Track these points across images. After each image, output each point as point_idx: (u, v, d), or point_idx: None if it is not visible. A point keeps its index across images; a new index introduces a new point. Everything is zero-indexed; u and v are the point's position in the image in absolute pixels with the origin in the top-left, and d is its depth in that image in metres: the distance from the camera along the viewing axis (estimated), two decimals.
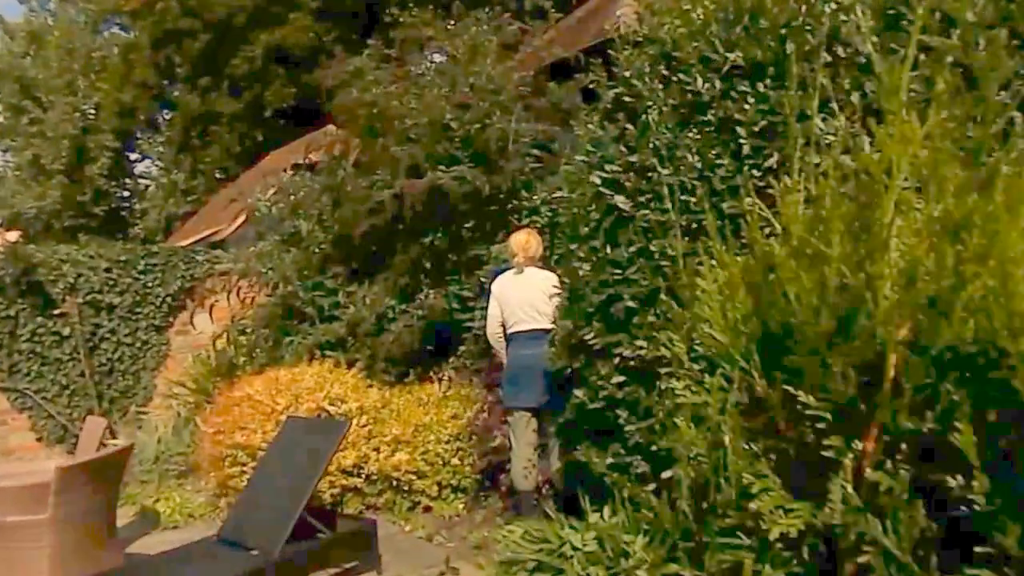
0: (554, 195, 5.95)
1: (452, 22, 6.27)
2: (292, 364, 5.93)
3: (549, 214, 5.92)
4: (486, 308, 5.04)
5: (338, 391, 5.39)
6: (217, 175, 19.92)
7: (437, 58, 6.35)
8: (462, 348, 5.72)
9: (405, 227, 5.90)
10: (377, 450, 5.21)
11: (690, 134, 3.53)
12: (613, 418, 3.90)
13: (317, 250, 6.70)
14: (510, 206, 5.91)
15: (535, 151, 5.96)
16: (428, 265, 5.82)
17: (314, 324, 6.23)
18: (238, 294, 6.87)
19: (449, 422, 5.30)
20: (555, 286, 4.74)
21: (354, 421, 5.25)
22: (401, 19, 6.38)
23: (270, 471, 4.23)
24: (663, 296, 3.60)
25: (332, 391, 5.38)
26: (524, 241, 4.92)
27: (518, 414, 4.75)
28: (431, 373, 5.84)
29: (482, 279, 5.59)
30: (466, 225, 5.85)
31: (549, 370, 4.60)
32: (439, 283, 5.76)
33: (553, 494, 4.82)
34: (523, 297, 4.77)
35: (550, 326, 4.71)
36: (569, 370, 4.22)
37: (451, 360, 5.79)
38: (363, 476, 5.19)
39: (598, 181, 3.86)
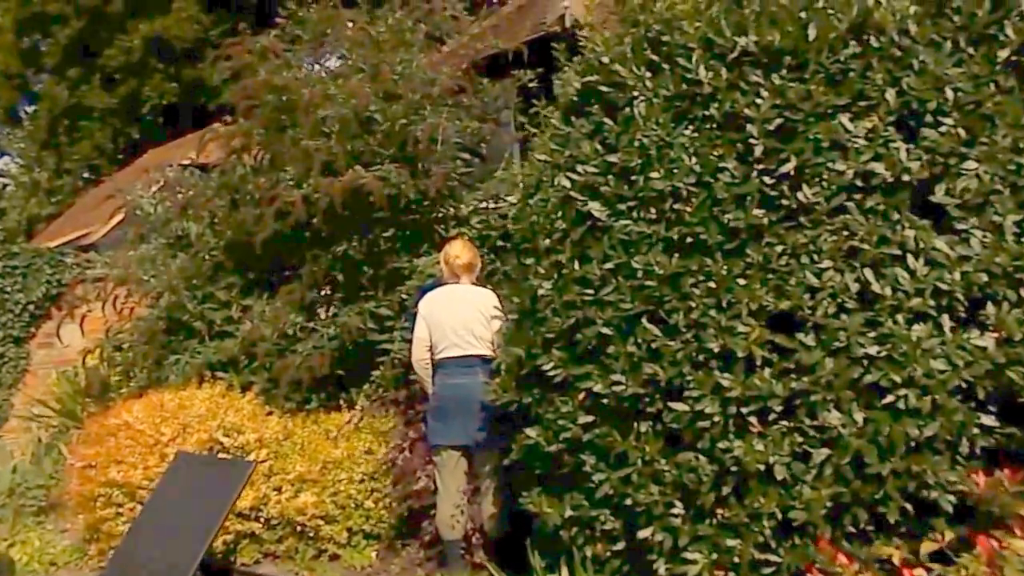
0: (485, 203, 5.32)
1: (365, 11, 5.52)
2: (178, 387, 4.98)
3: (479, 225, 5.27)
4: (410, 329, 4.32)
5: (233, 420, 4.52)
6: (85, 175, 18.08)
7: (347, 50, 5.57)
8: (375, 374, 4.94)
9: (314, 234, 5.09)
10: (279, 490, 4.37)
11: (686, 131, 2.97)
12: (575, 464, 3.27)
13: (208, 257, 5.76)
14: (435, 215, 5.21)
15: (465, 154, 5.30)
16: (340, 278, 5.03)
17: (203, 341, 5.30)
18: (114, 304, 5.83)
19: (363, 458, 4.52)
20: (496, 307, 4.09)
21: (252, 456, 4.39)
22: (300, 13, 5.55)
23: (157, 518, 3.38)
24: (646, 323, 3.03)
25: (226, 419, 4.50)
26: (459, 253, 4.24)
27: (446, 453, 4.06)
28: (340, 401, 5.04)
29: (403, 296, 4.85)
30: (384, 234, 5.10)
31: (486, 403, 3.94)
32: (353, 299, 4.98)
33: (483, 544, 4.13)
34: (457, 318, 4.08)
35: (487, 352, 4.05)
36: (515, 405, 3.57)
37: (364, 388, 5.00)
38: (262, 520, 4.34)
39: (567, 184, 3.23)
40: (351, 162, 4.83)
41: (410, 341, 4.31)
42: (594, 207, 3.12)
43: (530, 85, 5.44)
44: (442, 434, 4.04)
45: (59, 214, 16.22)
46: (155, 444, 4.42)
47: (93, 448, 4.56)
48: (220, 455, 4.28)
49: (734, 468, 2.86)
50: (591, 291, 3.11)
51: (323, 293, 4.96)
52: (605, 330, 3.04)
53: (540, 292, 3.30)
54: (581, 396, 3.21)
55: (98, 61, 16.32)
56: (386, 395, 4.78)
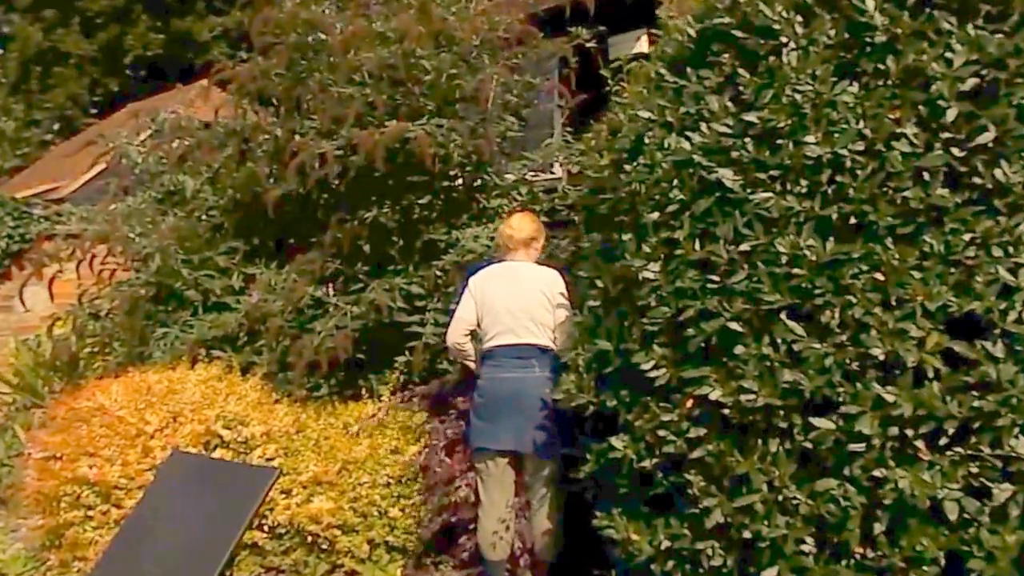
0: (531, 174, 4.79)
1: None
2: (166, 366, 4.41)
3: (524, 197, 4.75)
4: (451, 308, 3.79)
5: (234, 408, 3.96)
6: (56, 127, 17.23)
7: None
8: (400, 360, 4.41)
9: (338, 196, 4.53)
10: (287, 493, 3.82)
11: (851, 88, 2.47)
12: (676, 484, 2.78)
13: (205, 217, 5.19)
14: (477, 183, 4.67)
15: (512, 117, 4.76)
16: (367, 248, 4.47)
17: (197, 313, 4.72)
18: (91, 265, 5.21)
19: (388, 459, 3.99)
20: (563, 292, 3.58)
21: (258, 453, 3.84)
22: None
23: (151, 530, 2.82)
24: (787, 320, 2.53)
25: (226, 408, 3.94)
26: (519, 225, 3.72)
27: (492, 459, 3.55)
28: (357, 389, 4.49)
29: (439, 273, 4.31)
30: (420, 201, 4.56)
31: (544, 401, 3.43)
32: (381, 273, 4.43)
33: (532, 567, 3.63)
34: (516, 300, 3.57)
35: (547, 343, 3.54)
36: (590, 409, 3.07)
37: (386, 375, 4.47)
38: (265, 528, 3.79)
39: (688, 147, 2.72)
40: (388, 115, 4.28)
41: (446, 324, 3.79)
42: (725, 175, 2.61)
43: (588, 45, 4.93)
44: (488, 436, 3.53)
45: (25, 167, 15.39)
46: (138, 435, 3.84)
47: (59, 435, 3.94)
48: (219, 451, 3.72)
49: (888, 501, 2.40)
50: (715, 278, 2.61)
51: (348, 265, 4.39)
52: (734, 325, 2.54)
53: (644, 275, 2.79)
54: (689, 404, 2.72)
55: (78, 3, 15.49)
56: (416, 386, 4.24)
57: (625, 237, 2.95)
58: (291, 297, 4.23)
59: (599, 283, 3.13)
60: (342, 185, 4.51)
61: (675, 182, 2.77)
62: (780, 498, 2.50)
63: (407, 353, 4.43)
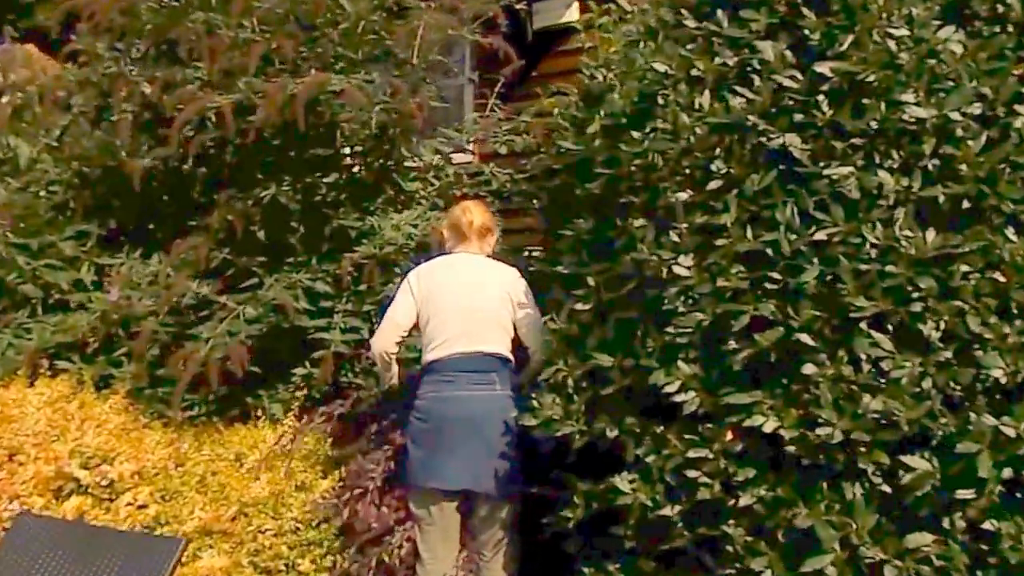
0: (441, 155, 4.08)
1: None
2: None
3: (446, 179, 4.04)
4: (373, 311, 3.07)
5: (94, 441, 3.02)
6: None
7: None
8: (298, 373, 3.61)
9: (223, 170, 3.66)
10: None
11: (958, 36, 1.96)
12: (707, 538, 2.19)
13: (46, 193, 4.15)
14: (393, 161, 3.92)
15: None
16: (262, 235, 3.63)
17: (36, 314, 3.71)
18: None
19: (294, 498, 3.18)
20: (527, 293, 2.93)
21: (126, 498, 2.95)
22: None
23: None
24: (870, 331, 1.97)
25: (83, 440, 3.00)
26: (473, 214, 3.02)
27: (436, 503, 2.83)
28: (247, 408, 3.65)
29: (350, 267, 3.53)
30: (325, 180, 3.75)
31: (511, 428, 2.76)
32: (277, 266, 3.60)
33: None
34: (473, 299, 2.88)
35: (509, 354, 2.87)
36: (579, 440, 2.43)
37: (283, 390, 3.65)
38: None
39: (737, 106, 2.13)
40: (290, 71, 3.46)
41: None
42: (792, 143, 2.04)
43: (518, 7, 4.29)
44: (433, 473, 2.79)
45: None
46: None
47: None
48: (74, 499, 2.79)
49: (994, 560, 1.91)
50: (775, 275, 2.03)
51: (237, 255, 3.53)
52: (803, 337, 1.97)
53: (674, 272, 2.17)
54: (729, 437, 2.13)
55: None
56: (323, 405, 3.44)
57: (637, 224, 2.33)
58: (167, 295, 3.32)
59: (590, 281, 2.51)
60: (228, 156, 3.65)
61: (716, 152, 2.18)
62: (856, 558, 1.97)
63: (307, 364, 3.64)
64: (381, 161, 3.89)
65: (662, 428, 2.26)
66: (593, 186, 2.58)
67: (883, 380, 1.93)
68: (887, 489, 1.97)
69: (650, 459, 2.25)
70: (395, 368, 2.99)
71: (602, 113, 2.68)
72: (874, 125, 2.01)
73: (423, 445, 2.83)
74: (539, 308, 2.90)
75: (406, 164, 4.01)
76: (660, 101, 2.40)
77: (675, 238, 2.21)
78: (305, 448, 3.35)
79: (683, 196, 2.23)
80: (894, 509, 1.97)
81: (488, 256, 3.03)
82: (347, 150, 3.89)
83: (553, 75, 4.29)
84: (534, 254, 3.65)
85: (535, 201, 3.20)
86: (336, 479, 3.25)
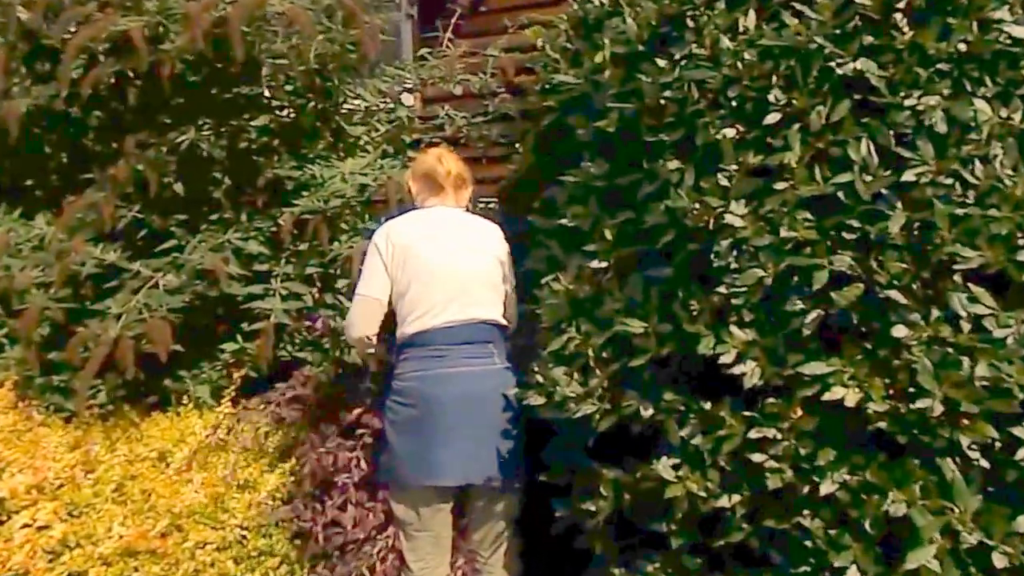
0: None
1: None
2: None
3: (395, 123, 3.60)
4: (353, 281, 2.63)
5: None
6: None
7: None
8: (229, 349, 3.15)
9: (128, 112, 3.08)
10: None
11: None
12: (774, 531, 1.91)
13: None
14: (331, 104, 3.42)
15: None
16: (179, 188, 3.08)
17: None
18: None
19: (236, 499, 2.71)
20: (510, 254, 2.56)
21: (22, 518, 2.43)
22: None
23: None
24: (968, 284, 1.71)
25: None
26: (449, 164, 2.61)
27: (426, 502, 2.43)
28: (166, 393, 3.14)
29: (291, 226, 3.05)
30: (253, 123, 3.22)
31: (513, 407, 2.41)
32: (199, 224, 3.08)
33: None
34: (460, 259, 2.48)
35: (504, 321, 2.50)
36: (601, 421, 2.09)
37: (209, 369, 3.17)
38: None
39: (796, 27, 1.80)
40: None
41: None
42: (868, 69, 1.73)
43: None
44: (423, 467, 2.37)
45: None
46: None
47: None
48: None
49: None
50: (854, 222, 1.74)
51: (150, 210, 2.98)
52: (893, 294, 1.70)
53: (724, 220, 1.85)
54: (798, 413, 1.84)
55: None
56: (262, 387, 2.98)
57: (671, 166, 1.99)
58: (62, 264, 2.76)
59: (607, 234, 2.16)
60: (132, 96, 3.06)
61: (774, 80, 1.86)
62: (957, 546, 1.73)
63: (239, 338, 3.16)
64: (315, 103, 3.39)
65: (710, 404, 1.97)
66: (604, 123, 2.21)
67: (985, 341, 1.70)
68: (985, 465, 1.75)
69: (696, 441, 1.96)
70: (375, 346, 2.56)
71: (607, 41, 2.32)
72: (963, 48, 1.74)
73: (409, 434, 2.40)
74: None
75: (346, 106, 3.53)
76: (690, 23, 2.06)
77: (724, 182, 1.89)
78: (244, 434, 2.90)
79: (730, 132, 1.91)
80: (997, 488, 1.75)
81: (464, 209, 2.64)
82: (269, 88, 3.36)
83: (506, 9, 3.88)
84: (490, 205, 3.29)
85: (518, 145, 2.80)
86: (285, 473, 2.82)
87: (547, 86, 2.74)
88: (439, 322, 2.42)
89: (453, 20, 3.60)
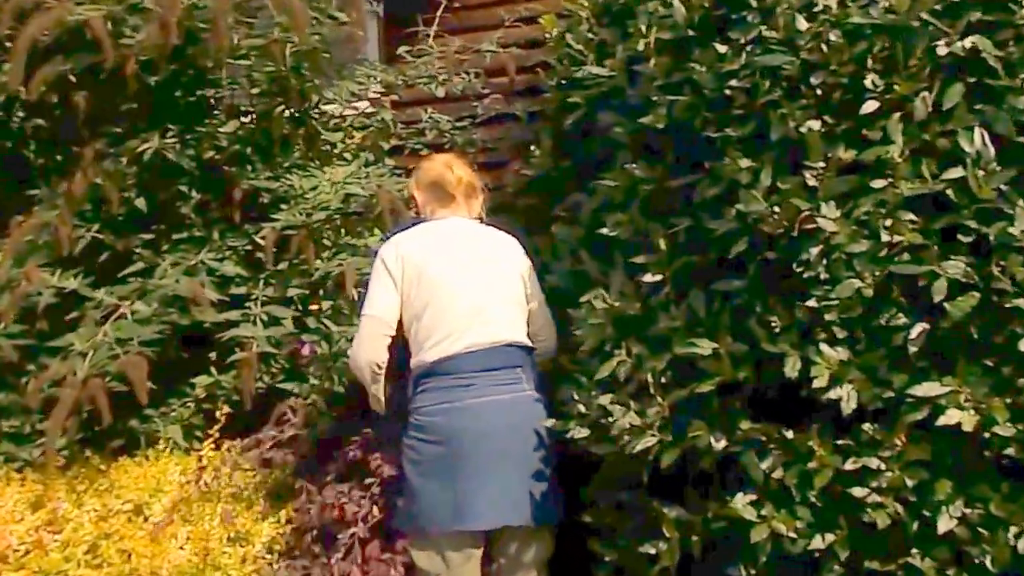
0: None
1: None
2: None
3: (376, 128, 3.32)
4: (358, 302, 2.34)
5: None
6: None
7: None
8: (200, 383, 2.83)
9: (75, 117, 2.73)
10: None
11: None
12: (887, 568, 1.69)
13: None
14: (307, 106, 3.11)
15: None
16: (141, 203, 2.73)
17: None
18: None
19: (228, 554, 2.37)
20: (532, 268, 2.32)
21: None
22: None
23: None
24: None
25: None
26: (459, 171, 2.36)
27: (454, 547, 2.13)
28: (133, 435, 2.78)
29: (264, 244, 2.74)
30: (223, 130, 2.89)
31: (543, 439, 2.15)
32: (163, 241, 2.74)
33: None
34: (480, 274, 2.23)
35: (530, 342, 2.25)
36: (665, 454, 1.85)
37: (179, 406, 2.84)
38: None
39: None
40: None
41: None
42: (983, 48, 1.54)
43: None
44: (455, 510, 2.09)
45: None
46: None
47: None
48: None
49: None
50: (968, 223, 1.55)
51: (107, 234, 2.63)
52: (1021, 303, 1.50)
53: (815, 224, 1.63)
54: (902, 440, 1.63)
55: None
56: (245, 424, 2.66)
57: (742, 164, 1.77)
58: (14, 294, 2.38)
59: (660, 244, 1.92)
60: (82, 101, 2.71)
61: (869, 63, 1.65)
62: None
63: (212, 371, 2.84)
64: (288, 106, 3.07)
65: (791, 433, 1.75)
66: (649, 119, 1.98)
67: None
68: None
69: (777, 475, 1.74)
70: (382, 382, 2.27)
71: (644, 27, 2.09)
72: None
73: (436, 475, 2.13)
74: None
75: (319, 110, 3.22)
76: (754, 3, 1.85)
77: (811, 181, 1.68)
78: (232, 483, 2.57)
79: (815, 125, 1.70)
80: None
81: (479, 220, 2.38)
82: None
83: (483, 5, 3.62)
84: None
85: (532, 148, 2.54)
86: (280, 522, 2.50)
87: (563, 81, 2.50)
88: (461, 347, 2.15)
89: (439, 13, 3.32)
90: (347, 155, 3.23)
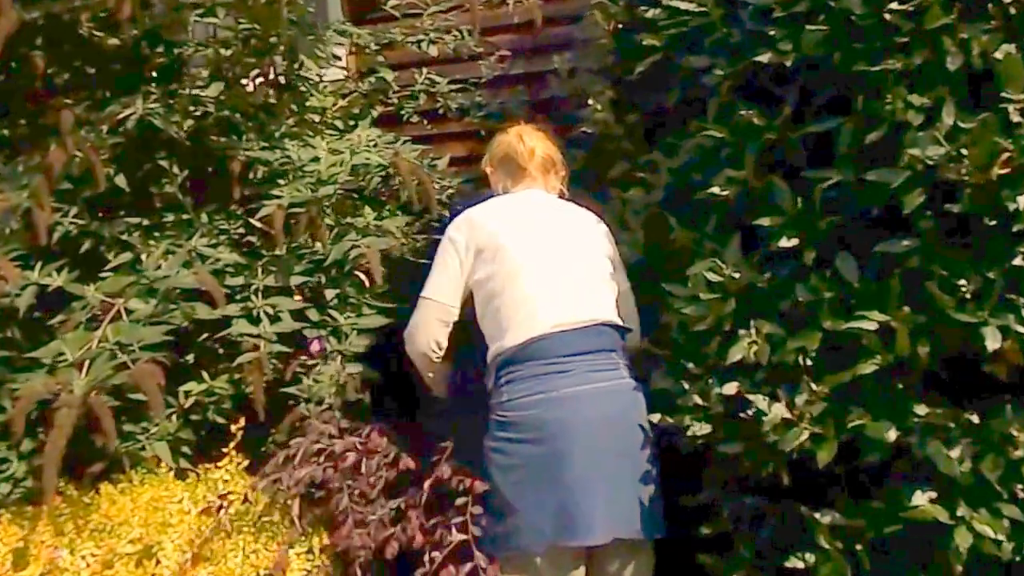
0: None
1: None
2: None
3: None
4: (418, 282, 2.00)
5: None
6: None
7: None
8: (191, 390, 2.41)
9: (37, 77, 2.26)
10: None
11: None
12: None
13: None
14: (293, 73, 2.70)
15: None
16: (121, 182, 2.28)
17: None
18: None
19: None
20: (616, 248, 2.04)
21: None
22: None
23: None
24: None
25: None
26: (532, 142, 2.06)
27: (561, 565, 1.82)
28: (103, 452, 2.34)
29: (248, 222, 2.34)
30: (206, 91, 2.45)
31: (648, 434, 1.85)
32: (149, 229, 2.30)
33: None
34: (569, 249, 1.93)
35: (621, 322, 1.94)
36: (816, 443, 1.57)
37: (166, 419, 2.41)
38: None
39: None
40: None
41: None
42: None
43: None
44: (557, 524, 1.78)
45: None
46: None
47: None
48: None
49: None
50: None
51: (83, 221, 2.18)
52: None
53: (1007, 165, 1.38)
54: None
55: None
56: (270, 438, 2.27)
57: (913, 102, 1.48)
58: None
59: (791, 204, 1.63)
60: (39, 58, 2.24)
61: None
62: None
63: (204, 375, 2.42)
64: (274, 68, 2.65)
65: (977, 418, 1.50)
66: (769, 57, 1.69)
67: None
68: None
69: (965, 467, 1.48)
70: (445, 370, 1.96)
71: None
72: None
73: (533, 482, 1.80)
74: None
75: (304, 72, 2.81)
76: None
77: (1014, 116, 1.42)
78: (251, 514, 2.17)
79: (1011, 49, 1.43)
80: None
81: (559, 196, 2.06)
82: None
83: None
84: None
85: (597, 107, 2.20)
86: (314, 552, 2.12)
87: (621, 25, 2.18)
88: (551, 326, 1.83)
89: None
90: (337, 123, 2.83)
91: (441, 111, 3.13)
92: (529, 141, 2.03)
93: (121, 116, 2.17)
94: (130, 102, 2.20)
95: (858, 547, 1.58)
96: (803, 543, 1.64)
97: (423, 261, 2.67)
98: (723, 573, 1.78)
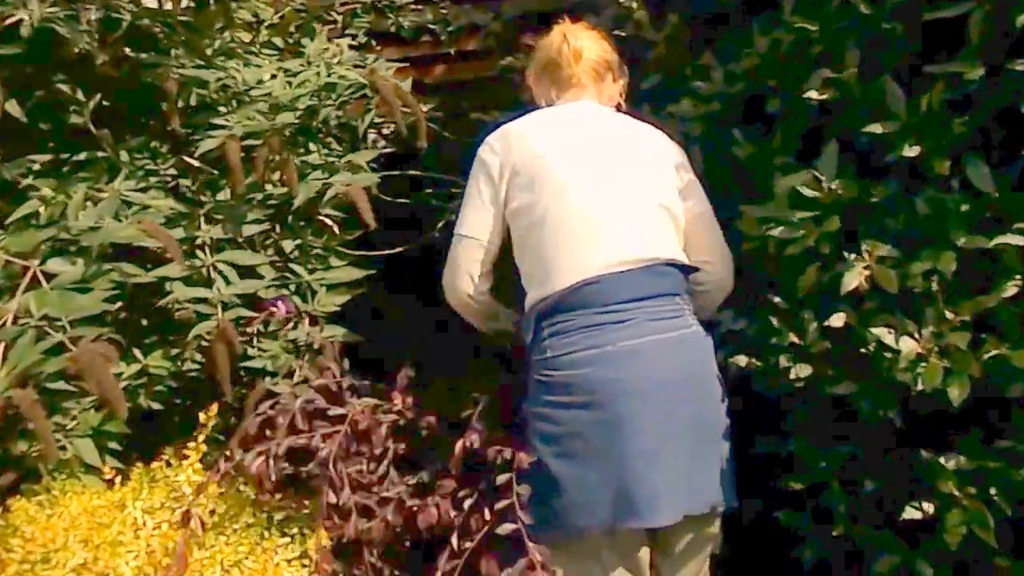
0: None
1: None
2: None
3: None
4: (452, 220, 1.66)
5: None
6: None
7: None
8: (126, 369, 1.97)
9: None
10: None
11: None
12: None
13: None
14: None
15: None
16: (15, 107, 1.76)
17: None
18: None
19: None
20: (687, 168, 1.72)
21: None
22: None
23: None
24: None
25: None
26: (580, 41, 1.70)
27: (621, 551, 1.53)
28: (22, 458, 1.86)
29: (186, 160, 1.90)
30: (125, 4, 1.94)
31: (722, 390, 1.59)
32: (57, 169, 1.81)
33: None
34: (622, 174, 1.58)
35: (687, 261, 1.63)
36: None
37: (80, 410, 1.96)
38: None
39: None
40: None
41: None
42: None
43: None
44: (617, 503, 1.47)
45: None
46: None
47: None
48: None
49: None
50: None
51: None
52: None
53: None
54: None
55: None
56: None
57: None
58: None
59: (902, 110, 1.39)
60: None
61: None
62: None
63: (136, 352, 1.97)
64: None
65: None
66: None
67: None
68: None
69: None
70: (500, 308, 1.67)
71: None
72: None
73: (585, 454, 1.49)
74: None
75: None
76: None
77: None
78: (226, 512, 1.76)
79: None
80: None
81: (610, 107, 1.72)
82: None
83: None
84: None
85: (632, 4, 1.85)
86: (309, 544, 1.74)
87: None
88: (604, 266, 1.52)
89: None
90: (276, 40, 2.37)
91: (393, 29, 2.71)
92: (575, 41, 1.67)
93: (10, 21, 1.65)
94: (22, 2, 1.68)
95: (992, 491, 1.39)
96: (919, 492, 1.44)
97: (401, 200, 2.31)
98: (810, 531, 1.59)
